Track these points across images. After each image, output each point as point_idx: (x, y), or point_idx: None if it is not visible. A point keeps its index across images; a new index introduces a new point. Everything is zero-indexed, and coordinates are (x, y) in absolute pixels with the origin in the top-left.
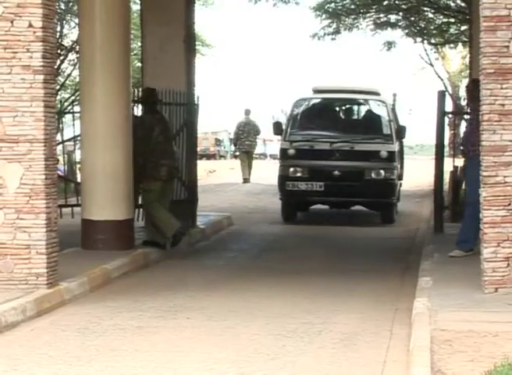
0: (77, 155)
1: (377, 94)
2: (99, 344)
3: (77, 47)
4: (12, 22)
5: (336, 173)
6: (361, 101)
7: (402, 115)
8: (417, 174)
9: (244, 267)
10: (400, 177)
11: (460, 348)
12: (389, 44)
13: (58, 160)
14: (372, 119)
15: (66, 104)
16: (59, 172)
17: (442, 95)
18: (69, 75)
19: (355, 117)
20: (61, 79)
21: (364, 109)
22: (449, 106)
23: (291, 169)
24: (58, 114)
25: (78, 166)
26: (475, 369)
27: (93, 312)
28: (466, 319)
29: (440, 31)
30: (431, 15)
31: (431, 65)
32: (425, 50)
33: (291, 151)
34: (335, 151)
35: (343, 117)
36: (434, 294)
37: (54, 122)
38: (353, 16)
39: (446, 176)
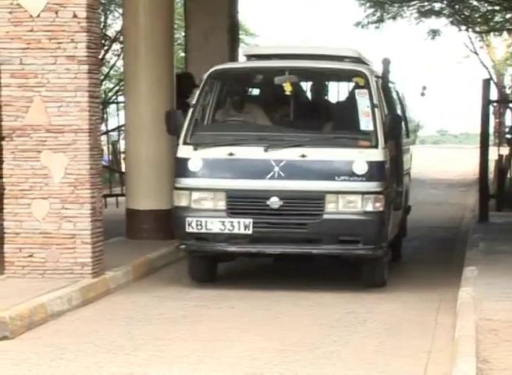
0: (122, 145)
1: (357, 60)
2: (144, 333)
3: (121, 37)
4: (56, 12)
5: (275, 201)
6: (324, 72)
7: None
8: (461, 163)
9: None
10: (399, 204)
11: (506, 337)
12: (434, 33)
13: (102, 150)
14: (342, 105)
15: (110, 94)
16: (104, 162)
17: (487, 84)
18: (113, 65)
19: (312, 101)
20: (105, 69)
21: (328, 87)
22: (494, 95)
23: (195, 196)
24: (102, 104)
25: (122, 155)
26: None
27: (137, 301)
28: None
29: (485, 19)
30: (475, 3)
31: (475, 53)
32: (470, 38)
33: (195, 163)
34: (273, 163)
35: (290, 101)
36: (479, 284)
37: (98, 112)
38: (397, 5)
39: (491, 165)
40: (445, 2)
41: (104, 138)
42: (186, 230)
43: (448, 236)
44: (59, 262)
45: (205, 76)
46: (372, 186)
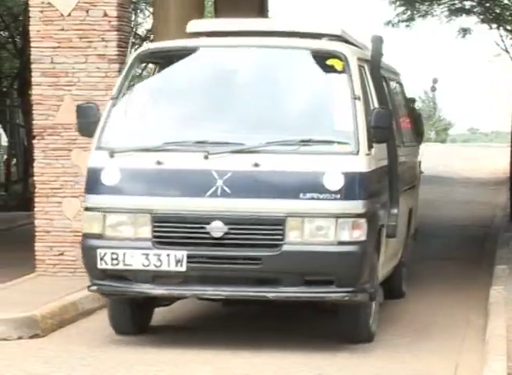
0: None
1: (339, 38)
2: (175, 328)
3: (152, 36)
4: (87, 11)
5: (218, 227)
6: (288, 53)
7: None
8: (492, 162)
9: None
10: (393, 230)
11: None
12: (464, 31)
13: None
14: (311, 98)
15: None
16: None
17: None
18: None
19: (271, 92)
20: None
21: (295, 73)
22: None
23: (110, 220)
24: None
25: None
26: None
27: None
28: None
29: None
30: (506, 1)
31: (506, 51)
32: (501, 36)
33: (111, 175)
34: (216, 175)
35: (242, 93)
36: (510, 283)
37: None
38: (427, 3)
39: None
40: (475, 0)
41: None
42: (98, 266)
43: (479, 234)
44: None
45: (131, 58)
46: (350, 206)
